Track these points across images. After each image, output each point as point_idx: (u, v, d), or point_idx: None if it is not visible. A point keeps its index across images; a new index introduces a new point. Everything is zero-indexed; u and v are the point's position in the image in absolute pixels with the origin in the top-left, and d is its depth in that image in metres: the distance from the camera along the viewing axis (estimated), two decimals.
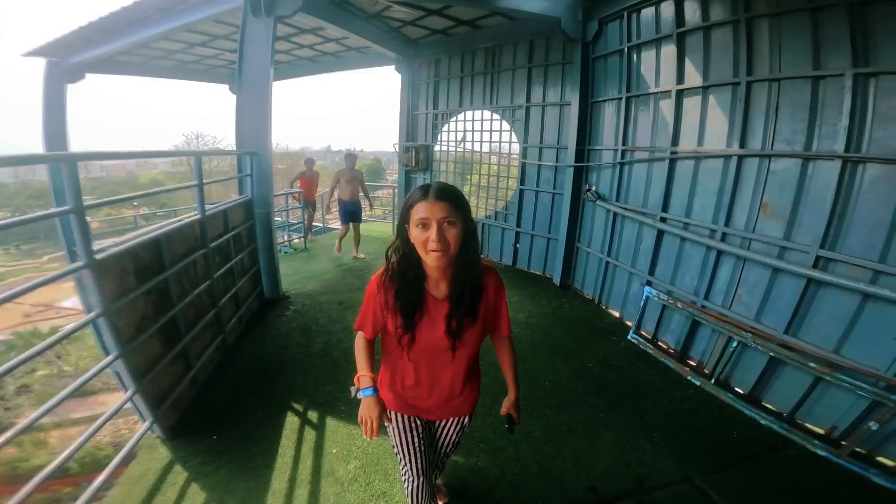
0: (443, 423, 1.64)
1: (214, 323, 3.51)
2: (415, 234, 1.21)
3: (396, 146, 7.80)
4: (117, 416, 2.46)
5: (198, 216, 3.29)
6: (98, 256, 2.16)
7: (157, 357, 2.64)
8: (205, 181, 3.40)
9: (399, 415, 1.54)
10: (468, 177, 7.36)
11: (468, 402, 1.58)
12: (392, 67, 7.67)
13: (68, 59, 7.23)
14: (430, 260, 1.21)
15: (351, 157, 6.97)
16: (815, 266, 2.80)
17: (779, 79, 3.04)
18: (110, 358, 2.26)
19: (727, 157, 3.40)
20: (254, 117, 4.56)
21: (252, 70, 4.44)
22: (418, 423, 1.56)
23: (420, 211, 1.19)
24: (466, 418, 1.63)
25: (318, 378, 3.33)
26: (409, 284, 1.30)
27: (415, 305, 1.32)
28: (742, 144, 3.28)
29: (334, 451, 2.54)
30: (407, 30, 6.79)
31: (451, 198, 1.20)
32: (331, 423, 2.80)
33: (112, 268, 2.29)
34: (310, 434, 2.70)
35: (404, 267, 1.30)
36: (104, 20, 5.87)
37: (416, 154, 7.29)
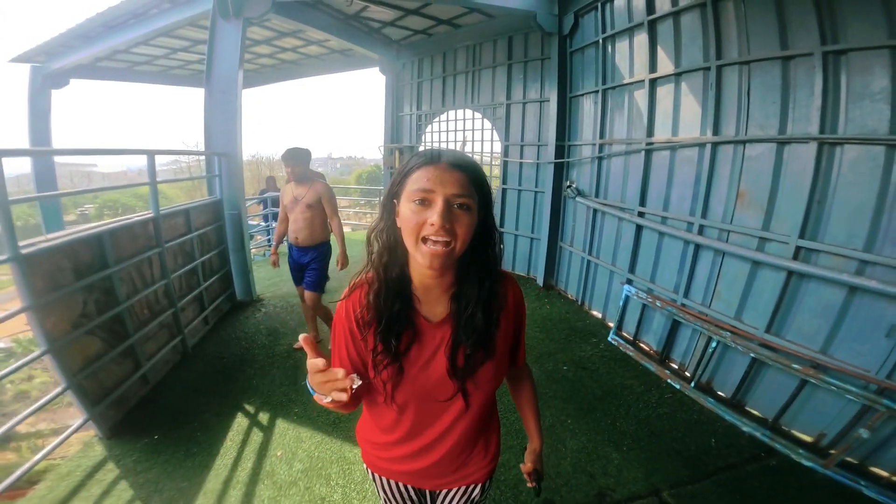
0: (443, 496, 1.12)
1: (171, 323, 3.49)
2: (407, 212, 0.81)
3: (381, 148, 7.68)
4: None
5: (151, 215, 3.27)
6: (25, 251, 2.15)
7: (98, 355, 2.62)
8: (161, 180, 3.46)
9: (382, 479, 1.12)
10: None
11: (483, 466, 1.08)
12: (377, 69, 7.61)
13: (50, 65, 7.29)
14: (423, 257, 0.81)
15: (296, 156, 3.34)
16: (795, 257, 2.59)
17: (748, 61, 2.86)
18: (36, 353, 2.23)
19: (701, 146, 3.21)
20: (223, 118, 4.54)
21: (221, 71, 4.45)
22: (410, 493, 1.12)
23: (421, 179, 0.80)
24: (478, 488, 1.11)
25: (276, 380, 3.28)
26: (391, 288, 0.90)
27: (396, 324, 0.90)
28: (715, 131, 3.09)
29: (279, 453, 2.50)
30: (388, 31, 6.76)
31: (473, 172, 0.83)
32: (281, 425, 2.75)
33: (42, 263, 2.27)
34: (256, 436, 2.66)
35: (388, 262, 0.89)
36: (81, 26, 5.94)
37: (401, 155, 7.18)
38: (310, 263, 3.43)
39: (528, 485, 1.18)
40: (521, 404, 1.18)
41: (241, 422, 2.78)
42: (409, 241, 0.83)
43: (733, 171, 2.97)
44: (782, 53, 2.64)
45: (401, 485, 1.11)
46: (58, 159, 10.26)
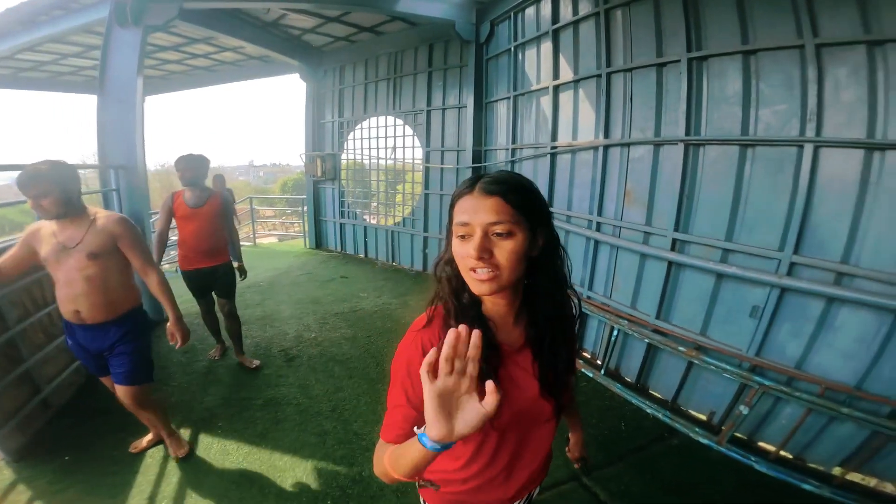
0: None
1: None
2: (455, 247, 0.80)
3: (303, 156, 7.49)
4: None
5: None
6: None
7: None
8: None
9: None
10: (377, 184, 7.18)
11: (547, 466, 1.09)
12: (297, 76, 7.43)
13: None
14: (473, 286, 0.80)
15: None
16: (672, 249, 2.82)
17: (631, 68, 3.08)
18: None
19: (595, 149, 3.42)
20: (121, 129, 4.21)
21: (117, 80, 4.16)
22: None
23: (460, 211, 0.78)
24: (537, 489, 1.14)
25: (197, 396, 3.12)
26: (467, 312, 0.86)
27: (488, 354, 0.82)
28: (606, 135, 3.31)
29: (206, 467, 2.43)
30: (309, 38, 6.65)
31: (511, 192, 0.77)
32: (205, 439, 2.65)
33: None
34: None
35: (457, 288, 0.86)
36: None
37: (323, 163, 7.03)
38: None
39: (576, 466, 1.34)
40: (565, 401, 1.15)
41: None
42: (462, 273, 0.81)
43: (621, 172, 3.19)
44: (657, 60, 2.87)
45: None
46: None
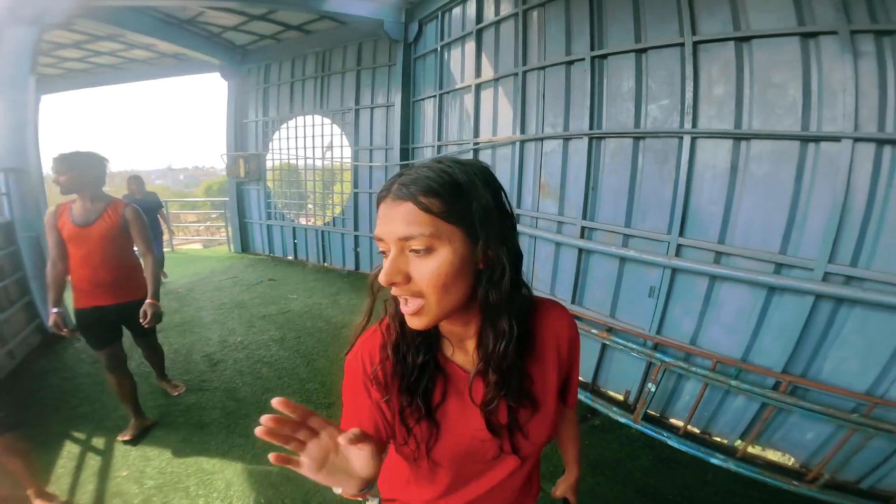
0: None
1: None
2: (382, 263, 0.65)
3: (224, 157, 7.12)
4: None
5: None
6: None
7: None
8: None
9: None
10: (313, 184, 6.99)
11: None
12: (217, 74, 7.08)
13: None
14: (406, 318, 0.66)
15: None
16: (581, 236, 2.98)
17: (544, 67, 3.23)
18: None
19: (513, 144, 3.55)
20: (9, 130, 3.84)
21: (6, 79, 3.79)
22: None
23: (378, 221, 0.63)
24: None
25: (108, 405, 2.89)
26: (411, 338, 0.73)
27: (423, 376, 0.73)
28: (522, 130, 3.44)
29: (124, 473, 2.33)
30: (231, 35, 6.38)
31: (427, 194, 0.59)
32: (121, 447, 2.52)
33: None
34: (93, 460, 2.43)
35: (397, 310, 0.71)
36: None
37: (247, 164, 6.73)
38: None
39: None
40: (562, 436, 1.04)
41: (71, 449, 2.51)
42: None
43: (536, 166, 3.34)
44: (566, 59, 3.03)
45: None
46: None
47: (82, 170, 2.22)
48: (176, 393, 3.02)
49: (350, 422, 0.77)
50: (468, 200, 0.60)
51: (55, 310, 2.24)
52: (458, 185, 0.60)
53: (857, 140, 1.88)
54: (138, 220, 2.34)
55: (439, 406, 0.74)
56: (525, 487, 0.89)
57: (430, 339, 0.74)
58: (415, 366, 0.72)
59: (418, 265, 0.60)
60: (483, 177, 0.63)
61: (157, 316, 2.36)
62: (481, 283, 0.64)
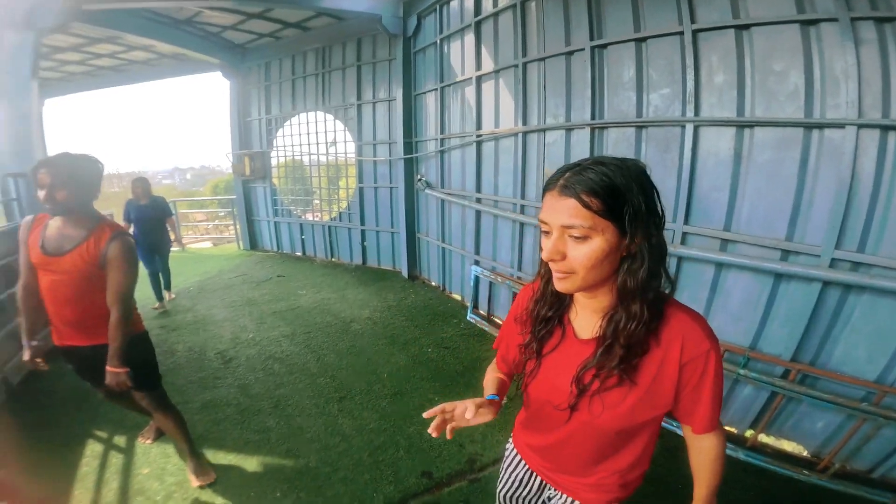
0: (560, 499, 1.07)
1: None
2: (542, 238, 0.79)
3: (230, 156, 7.16)
4: None
5: None
6: None
7: None
8: None
9: (516, 457, 1.16)
10: (318, 180, 7.02)
11: (600, 494, 1.01)
12: (219, 74, 7.09)
13: None
14: (553, 280, 0.80)
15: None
16: None
17: (544, 58, 3.22)
18: None
19: (515, 136, 3.54)
20: (14, 134, 3.93)
21: (6, 86, 3.86)
22: (532, 483, 1.12)
23: (543, 208, 0.77)
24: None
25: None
26: (547, 297, 0.91)
27: (543, 329, 0.92)
28: (524, 122, 3.43)
29: (146, 471, 2.37)
30: (230, 35, 6.40)
31: (590, 194, 0.70)
32: (142, 445, 2.59)
33: None
34: (116, 458, 2.49)
35: (545, 273, 0.90)
36: None
37: (252, 162, 6.77)
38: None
39: None
40: (692, 464, 1.00)
41: (94, 448, 2.57)
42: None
43: (539, 156, 3.34)
44: (566, 49, 3.01)
45: (526, 472, 1.14)
46: None
47: (67, 179, 1.67)
48: (199, 484, 2.20)
49: (501, 339, 1.12)
50: (623, 201, 0.71)
51: (31, 342, 1.89)
52: (616, 188, 0.71)
53: (861, 126, 1.85)
54: (120, 261, 1.77)
55: (548, 354, 0.92)
56: (604, 469, 0.98)
57: (563, 301, 0.91)
58: (544, 318, 0.92)
59: (574, 248, 0.73)
60: (639, 181, 0.73)
61: (122, 385, 1.81)
62: (623, 269, 0.77)
